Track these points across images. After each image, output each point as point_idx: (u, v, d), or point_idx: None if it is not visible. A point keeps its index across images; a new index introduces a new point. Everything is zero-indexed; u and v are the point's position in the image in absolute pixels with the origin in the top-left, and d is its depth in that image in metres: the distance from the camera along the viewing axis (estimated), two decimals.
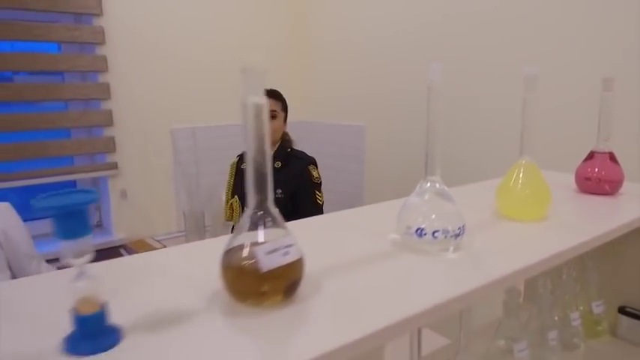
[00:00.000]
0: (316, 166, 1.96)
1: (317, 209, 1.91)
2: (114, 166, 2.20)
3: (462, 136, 1.92)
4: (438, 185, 0.63)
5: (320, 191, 1.94)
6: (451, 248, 0.62)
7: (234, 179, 2.03)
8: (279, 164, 1.88)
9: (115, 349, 0.38)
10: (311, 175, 1.91)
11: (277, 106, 1.89)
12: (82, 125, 2.16)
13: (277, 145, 1.93)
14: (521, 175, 0.77)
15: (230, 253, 0.46)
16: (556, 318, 0.91)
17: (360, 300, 0.48)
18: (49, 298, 0.48)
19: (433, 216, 0.62)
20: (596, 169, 0.92)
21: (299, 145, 2.05)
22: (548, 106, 1.59)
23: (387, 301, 0.48)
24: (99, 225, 2.35)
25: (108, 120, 2.17)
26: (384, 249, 0.63)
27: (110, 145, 2.19)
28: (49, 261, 1.70)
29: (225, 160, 2.10)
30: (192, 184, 2.36)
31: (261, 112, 0.44)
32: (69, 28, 2.06)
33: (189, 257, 0.62)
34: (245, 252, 0.45)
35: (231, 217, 2.00)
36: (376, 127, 2.36)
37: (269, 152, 0.45)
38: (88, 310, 0.38)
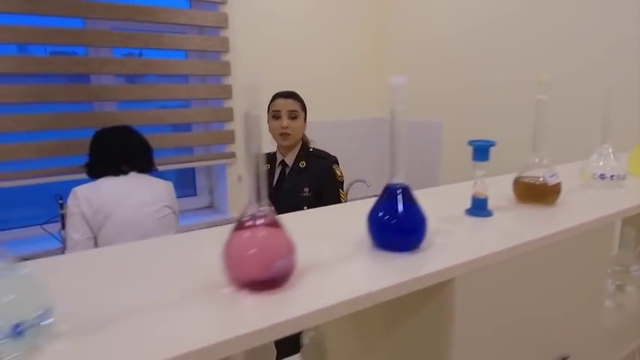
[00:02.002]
0: (338, 164, 1.96)
1: None
2: (232, 155, 2.59)
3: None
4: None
5: (343, 189, 1.96)
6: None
7: None
8: (303, 164, 1.90)
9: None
10: (335, 174, 1.91)
11: (297, 107, 1.90)
12: (207, 120, 2.56)
13: (300, 146, 1.94)
14: None
15: None
16: None
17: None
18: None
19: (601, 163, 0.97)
20: None
21: (376, 141, 2.32)
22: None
23: None
24: (210, 206, 2.74)
25: (229, 116, 2.56)
26: None
27: (230, 137, 2.58)
28: None
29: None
30: None
31: None
32: (198, 39, 2.46)
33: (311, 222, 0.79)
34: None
35: None
36: (453, 123, 2.70)
37: None
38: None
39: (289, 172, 1.91)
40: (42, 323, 0.38)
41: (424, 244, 0.60)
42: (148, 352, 0.38)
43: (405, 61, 2.98)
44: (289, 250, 0.49)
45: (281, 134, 1.86)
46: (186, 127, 2.62)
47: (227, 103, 2.56)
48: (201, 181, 2.75)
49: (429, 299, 0.59)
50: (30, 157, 2.13)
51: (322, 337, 0.62)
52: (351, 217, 0.74)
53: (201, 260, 0.58)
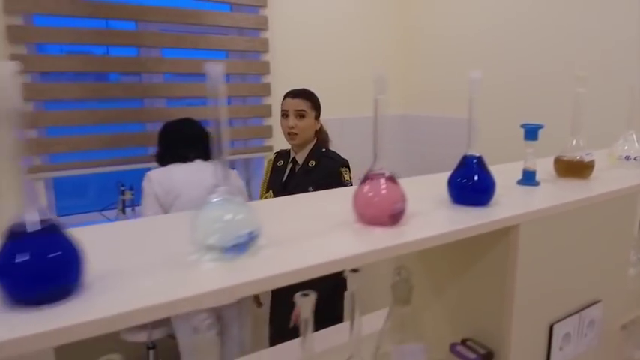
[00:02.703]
0: (349, 169, 1.93)
1: None
2: (270, 149, 2.77)
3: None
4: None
5: None
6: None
7: (270, 175, 2.06)
8: (312, 163, 1.89)
9: None
10: (342, 177, 1.88)
11: (305, 105, 1.90)
12: (246, 116, 2.75)
13: (312, 145, 1.94)
14: None
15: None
16: None
17: None
18: None
19: None
20: None
21: (401, 138, 2.46)
22: None
23: None
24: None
25: (267, 112, 2.74)
26: None
27: (268, 132, 2.76)
28: None
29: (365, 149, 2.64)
30: None
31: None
32: (240, 40, 2.64)
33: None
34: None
35: None
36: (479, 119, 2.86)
37: None
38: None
39: (298, 170, 1.92)
40: (254, 236, 0.56)
41: (492, 201, 0.77)
42: (319, 256, 0.55)
43: (429, 58, 3.14)
44: (403, 198, 0.66)
45: (288, 133, 1.87)
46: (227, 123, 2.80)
47: (266, 100, 2.74)
48: (239, 172, 2.94)
49: (499, 242, 0.76)
50: (88, 148, 2.32)
51: (409, 274, 0.79)
52: (427, 186, 0.91)
53: (329, 210, 0.75)
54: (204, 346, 0.68)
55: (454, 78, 2.95)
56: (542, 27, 2.45)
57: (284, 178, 1.95)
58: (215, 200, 0.54)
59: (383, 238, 0.61)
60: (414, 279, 0.79)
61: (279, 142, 2.77)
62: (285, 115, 1.89)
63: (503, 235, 0.74)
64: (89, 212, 2.47)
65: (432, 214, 0.72)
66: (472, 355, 0.77)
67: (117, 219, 2.34)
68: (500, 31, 2.68)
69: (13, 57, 2.07)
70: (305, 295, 0.62)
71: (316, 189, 1.87)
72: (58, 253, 0.43)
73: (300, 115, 1.87)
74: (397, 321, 0.80)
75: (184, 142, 1.85)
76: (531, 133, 0.88)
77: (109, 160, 2.39)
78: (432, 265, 0.88)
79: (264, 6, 2.65)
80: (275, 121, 2.76)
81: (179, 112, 2.51)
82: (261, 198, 2.06)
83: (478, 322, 0.81)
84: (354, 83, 2.95)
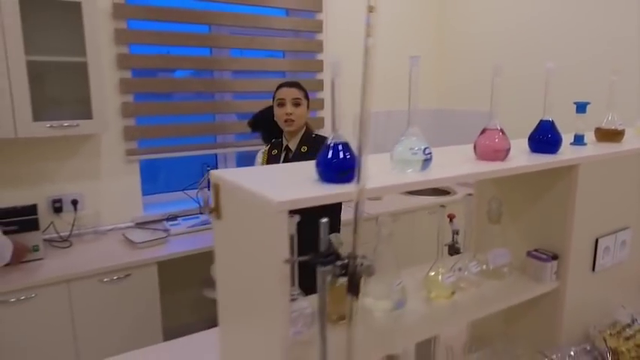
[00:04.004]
0: None
1: None
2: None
3: None
4: None
5: None
6: None
7: (266, 163, 2.11)
8: (305, 148, 1.99)
9: None
10: None
11: (300, 95, 2.00)
12: None
13: (303, 132, 2.03)
14: None
15: None
16: None
17: None
18: None
19: None
20: None
21: (436, 130, 2.76)
22: None
23: None
24: None
25: (320, 105, 3.11)
26: None
27: (320, 124, 3.12)
28: None
29: None
30: None
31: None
32: (297, 42, 3.01)
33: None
34: None
35: None
36: (509, 113, 3.21)
37: None
38: None
39: (292, 156, 2.01)
40: (428, 153, 0.91)
41: (559, 152, 1.12)
42: (467, 170, 0.90)
43: (462, 54, 3.49)
44: (509, 143, 1.01)
45: (285, 120, 1.97)
46: None
47: (319, 95, 3.11)
48: None
49: (563, 177, 1.11)
50: (169, 135, 2.69)
51: (500, 202, 1.13)
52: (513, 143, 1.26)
53: (457, 151, 1.11)
54: None
55: (484, 73, 3.29)
56: (574, 20, 2.80)
57: None
58: (404, 139, 0.89)
59: (500, 165, 0.96)
60: (502, 206, 1.14)
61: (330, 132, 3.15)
62: (281, 103, 1.98)
63: (567, 172, 1.09)
64: (173, 191, 2.84)
65: (523, 156, 1.07)
66: (544, 257, 1.12)
67: (197, 199, 2.71)
68: (526, 28, 3.03)
69: (119, 56, 2.45)
70: None
71: None
72: (348, 156, 0.78)
73: (296, 103, 1.98)
74: (490, 236, 1.16)
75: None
76: (581, 107, 1.23)
77: (184, 145, 2.76)
78: (515, 195, 1.23)
79: (319, 11, 3.02)
80: (327, 113, 3.13)
81: (245, 105, 2.88)
82: None
83: (546, 236, 1.16)
84: (397, 79, 3.30)
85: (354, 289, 0.59)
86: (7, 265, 1.90)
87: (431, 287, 1.04)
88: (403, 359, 1.08)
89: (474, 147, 1.03)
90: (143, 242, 2.26)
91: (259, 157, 2.13)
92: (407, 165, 0.88)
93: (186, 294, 2.75)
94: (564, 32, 2.83)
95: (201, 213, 2.63)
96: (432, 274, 1.05)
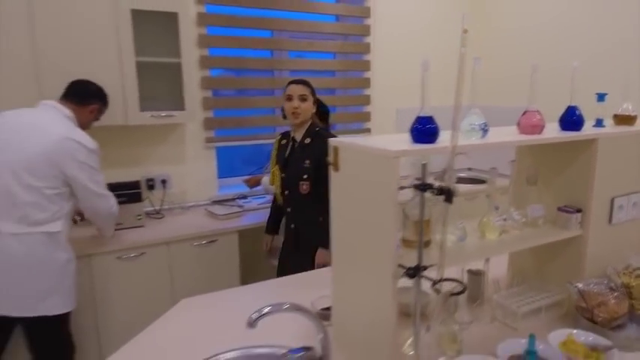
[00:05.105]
0: None
1: None
2: (368, 130, 3.50)
3: None
4: None
5: None
6: None
7: (277, 152, 2.38)
8: (308, 140, 2.22)
9: None
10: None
11: (307, 91, 2.20)
12: (348, 104, 3.49)
13: (308, 125, 2.24)
14: None
15: None
16: None
17: None
18: None
19: None
20: None
21: None
22: None
23: None
24: None
25: (367, 101, 3.48)
26: None
27: (367, 117, 3.50)
28: None
29: None
30: None
31: None
32: (347, 44, 3.38)
33: None
34: None
35: (274, 181, 2.38)
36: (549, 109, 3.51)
37: None
38: None
39: (297, 146, 2.24)
40: (485, 125, 1.27)
41: (582, 129, 1.46)
42: (519, 138, 1.26)
43: (501, 50, 3.80)
44: (544, 121, 1.36)
45: (293, 113, 2.18)
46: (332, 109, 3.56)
47: (366, 91, 3.48)
48: None
49: (586, 149, 1.44)
50: (240, 126, 3.10)
51: (536, 168, 1.48)
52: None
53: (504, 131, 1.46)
54: None
55: (517, 71, 3.60)
56: (606, 15, 3.10)
57: (286, 154, 2.29)
58: (468, 116, 1.25)
59: (538, 137, 1.31)
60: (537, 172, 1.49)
61: (376, 126, 3.51)
62: (289, 98, 2.19)
63: (589, 145, 1.43)
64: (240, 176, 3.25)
65: (555, 132, 1.41)
66: (570, 210, 1.46)
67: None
68: (550, 26, 3.33)
69: (201, 57, 2.87)
70: None
71: (311, 162, 2.17)
72: (433, 126, 1.14)
73: (303, 98, 2.18)
74: (527, 195, 1.50)
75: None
76: (601, 97, 1.57)
77: (250, 135, 3.16)
78: (547, 163, 1.56)
79: (367, 16, 3.39)
80: (373, 108, 3.50)
81: None
82: (271, 170, 2.41)
83: (572, 195, 1.50)
84: (436, 76, 3.63)
85: (449, 199, 0.95)
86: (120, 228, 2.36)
87: (484, 229, 1.40)
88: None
89: (518, 124, 1.38)
90: (224, 214, 2.67)
91: (274, 146, 2.42)
92: (471, 134, 1.25)
93: (255, 260, 3.16)
94: (585, 30, 3.13)
95: (266, 193, 3.03)
96: (485, 219, 1.40)
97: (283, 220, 2.43)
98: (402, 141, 1.15)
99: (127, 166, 2.75)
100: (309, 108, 2.21)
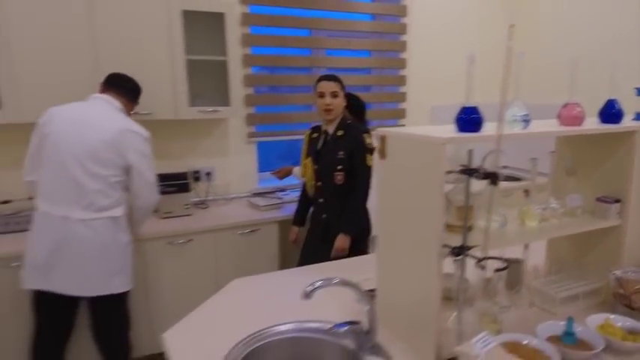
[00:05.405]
0: (370, 134, 2.31)
1: (367, 169, 2.29)
2: (402, 127, 3.57)
3: None
4: None
5: (371, 155, 2.28)
6: None
7: (308, 146, 2.45)
8: (341, 132, 2.30)
9: None
10: (364, 141, 2.27)
11: (338, 87, 2.26)
12: (383, 101, 3.57)
13: (340, 118, 2.32)
14: None
15: None
16: None
17: None
18: None
19: None
20: None
21: None
22: None
23: None
24: None
25: (402, 97, 3.55)
26: None
27: (402, 114, 3.57)
28: None
29: None
30: None
31: None
32: (384, 42, 3.46)
33: None
34: None
35: (305, 173, 2.45)
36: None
37: None
38: None
39: (330, 138, 2.32)
40: (527, 116, 1.34)
41: (622, 122, 1.50)
42: (558, 128, 1.32)
43: (538, 45, 3.80)
44: (584, 113, 1.41)
45: (325, 110, 2.25)
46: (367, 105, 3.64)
47: (402, 89, 3.55)
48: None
49: (625, 141, 1.48)
50: (279, 121, 3.22)
51: (574, 160, 1.53)
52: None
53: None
54: None
55: (553, 67, 3.60)
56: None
57: (318, 146, 2.36)
58: (511, 108, 1.32)
59: (578, 128, 1.37)
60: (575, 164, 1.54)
61: (411, 123, 3.58)
62: (321, 95, 2.26)
63: (628, 137, 1.47)
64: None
65: (594, 124, 1.46)
66: (609, 200, 1.51)
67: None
68: (595, 23, 3.32)
69: (244, 56, 3.01)
70: None
71: (345, 152, 2.26)
72: (477, 116, 1.22)
73: (334, 94, 2.25)
74: (566, 186, 1.56)
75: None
76: (639, 91, 1.60)
77: (288, 131, 3.28)
78: (586, 155, 1.60)
79: (404, 15, 3.46)
80: (408, 104, 3.57)
81: None
82: (302, 163, 2.48)
83: (610, 186, 1.54)
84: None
85: (494, 182, 1.03)
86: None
87: (524, 217, 1.46)
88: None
89: (558, 117, 1.44)
90: (265, 206, 2.80)
91: (304, 139, 2.49)
92: (513, 125, 1.31)
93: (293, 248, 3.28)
94: (620, 29, 3.11)
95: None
96: (525, 208, 1.46)
97: (310, 212, 2.51)
98: (446, 130, 1.23)
99: (174, 158, 2.91)
100: (340, 103, 2.29)
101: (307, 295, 1.17)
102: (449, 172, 1.13)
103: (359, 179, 2.28)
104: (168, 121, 2.70)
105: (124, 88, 2.18)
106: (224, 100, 2.73)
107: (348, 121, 2.34)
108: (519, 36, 3.92)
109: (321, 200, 2.38)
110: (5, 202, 2.49)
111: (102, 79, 2.17)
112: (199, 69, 2.70)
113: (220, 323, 1.44)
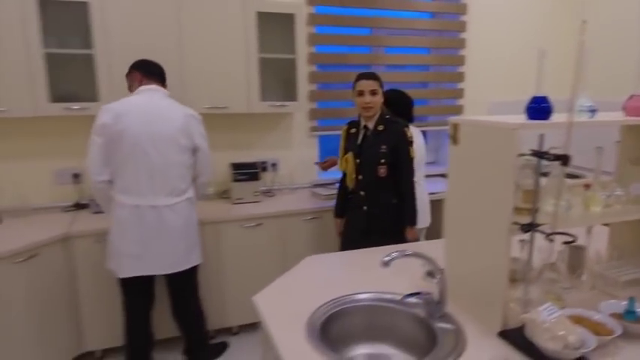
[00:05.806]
0: (409, 128, 2.37)
1: (410, 161, 2.36)
2: None
3: None
4: None
5: (412, 147, 2.36)
6: None
7: (346, 142, 2.49)
8: (381, 127, 2.34)
9: None
10: (406, 135, 2.33)
11: (376, 85, 2.30)
12: (441, 97, 3.65)
13: (379, 114, 2.36)
14: None
15: None
16: None
17: None
18: None
19: None
20: None
21: None
22: None
23: None
24: (434, 162, 3.82)
25: (460, 94, 3.62)
26: None
27: (459, 110, 3.64)
28: None
29: None
30: None
31: None
32: (441, 40, 3.55)
33: None
34: None
35: (346, 167, 2.47)
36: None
37: None
38: None
39: (370, 133, 2.37)
40: (593, 107, 1.42)
41: None
42: (614, 118, 1.39)
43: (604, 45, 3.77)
44: None
45: (364, 107, 2.30)
46: (424, 102, 3.74)
47: (460, 85, 3.62)
48: (434, 140, 3.86)
49: None
50: (339, 117, 3.38)
51: (638, 150, 1.59)
52: None
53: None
54: None
55: (616, 63, 3.55)
56: None
57: (359, 141, 2.40)
58: (579, 100, 1.41)
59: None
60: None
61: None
62: (361, 94, 2.30)
63: None
64: None
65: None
66: None
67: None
68: None
69: (309, 54, 3.19)
70: None
71: (387, 146, 2.31)
72: (547, 105, 1.32)
73: (374, 92, 2.30)
74: (631, 174, 1.62)
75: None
76: None
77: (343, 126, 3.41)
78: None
79: (464, 13, 3.53)
80: (466, 101, 3.63)
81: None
82: (341, 159, 2.51)
83: None
84: (528, 67, 3.70)
85: (565, 163, 1.14)
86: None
87: (589, 202, 1.54)
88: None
89: (623, 109, 1.51)
90: (326, 195, 2.97)
91: (342, 135, 2.53)
92: (581, 115, 1.40)
93: None
94: None
95: None
96: (589, 194, 1.54)
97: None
98: (515, 119, 1.34)
99: (244, 149, 3.14)
100: (379, 100, 2.33)
101: (386, 263, 1.32)
102: (520, 155, 1.24)
103: (404, 171, 2.37)
104: (240, 114, 2.92)
105: (160, 75, 2.26)
106: (291, 96, 2.92)
107: (387, 116, 2.39)
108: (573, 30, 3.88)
109: (362, 193, 2.44)
110: None
111: (186, 75, 2.38)
112: (270, 66, 2.90)
113: (302, 290, 1.62)
